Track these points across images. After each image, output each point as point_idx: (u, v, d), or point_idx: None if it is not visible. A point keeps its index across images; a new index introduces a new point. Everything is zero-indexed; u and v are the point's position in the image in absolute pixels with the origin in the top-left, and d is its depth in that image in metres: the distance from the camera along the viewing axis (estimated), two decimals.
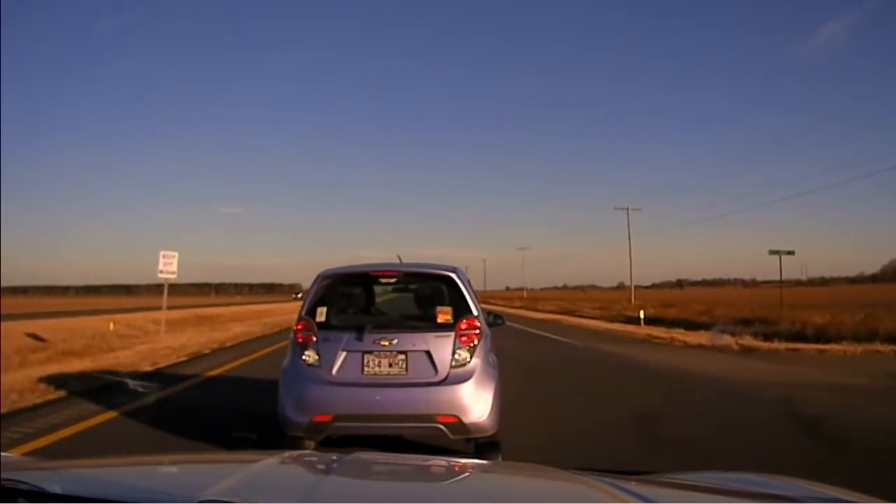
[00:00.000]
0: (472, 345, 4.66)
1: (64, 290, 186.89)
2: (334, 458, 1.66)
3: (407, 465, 1.91)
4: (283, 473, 1.56)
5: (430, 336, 4.66)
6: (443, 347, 4.62)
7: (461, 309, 4.79)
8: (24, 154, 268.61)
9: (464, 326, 4.68)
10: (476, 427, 4.46)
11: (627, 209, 47.15)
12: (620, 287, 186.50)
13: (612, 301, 50.62)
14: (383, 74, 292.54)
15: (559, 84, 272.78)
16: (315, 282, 4.99)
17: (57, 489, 1.26)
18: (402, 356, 4.61)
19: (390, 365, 4.60)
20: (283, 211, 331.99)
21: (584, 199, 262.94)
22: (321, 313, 4.80)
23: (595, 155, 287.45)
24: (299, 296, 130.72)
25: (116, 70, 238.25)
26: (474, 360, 4.63)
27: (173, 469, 1.87)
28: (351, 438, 4.64)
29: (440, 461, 1.95)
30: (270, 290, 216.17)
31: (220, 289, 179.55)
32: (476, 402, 4.50)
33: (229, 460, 1.94)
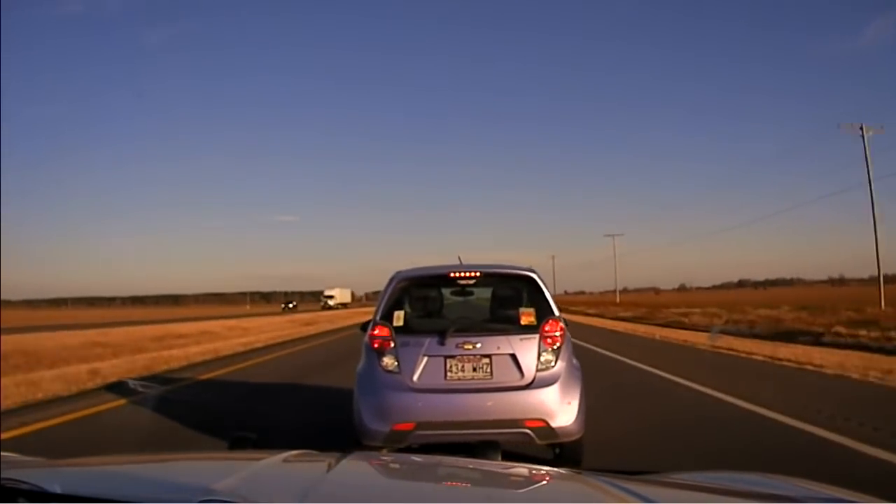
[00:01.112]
0: (556, 347, 4.49)
1: (110, 301, 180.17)
2: (334, 458, 1.64)
3: (406, 465, 1.91)
4: (283, 473, 1.54)
5: (515, 339, 4.48)
6: (528, 350, 4.45)
7: (544, 310, 4.62)
8: (70, 162, 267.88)
9: (548, 328, 4.52)
10: (564, 431, 4.31)
11: (862, 127, 29.18)
12: (682, 289, 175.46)
13: (831, 300, 33.00)
14: (441, 79, 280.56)
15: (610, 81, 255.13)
16: (389, 284, 4.78)
17: (57, 489, 1.24)
18: (487, 360, 4.43)
19: (474, 369, 4.42)
20: (338, 218, 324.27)
21: (630, 202, 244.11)
22: (398, 317, 4.62)
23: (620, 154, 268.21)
24: (291, 306, 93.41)
25: (167, 83, 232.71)
26: (559, 362, 4.47)
27: (173, 468, 1.83)
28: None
29: (439, 461, 1.92)
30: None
31: (271, 297, 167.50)
32: (564, 405, 4.35)
33: (229, 460, 1.87)
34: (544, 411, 4.26)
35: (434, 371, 4.37)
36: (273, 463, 1.56)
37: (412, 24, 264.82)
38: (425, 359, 4.39)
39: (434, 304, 4.99)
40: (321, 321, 37.55)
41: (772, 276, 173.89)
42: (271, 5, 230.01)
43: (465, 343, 4.40)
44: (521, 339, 4.44)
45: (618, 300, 68.89)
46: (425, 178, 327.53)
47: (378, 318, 4.61)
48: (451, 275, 4.84)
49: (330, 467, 1.56)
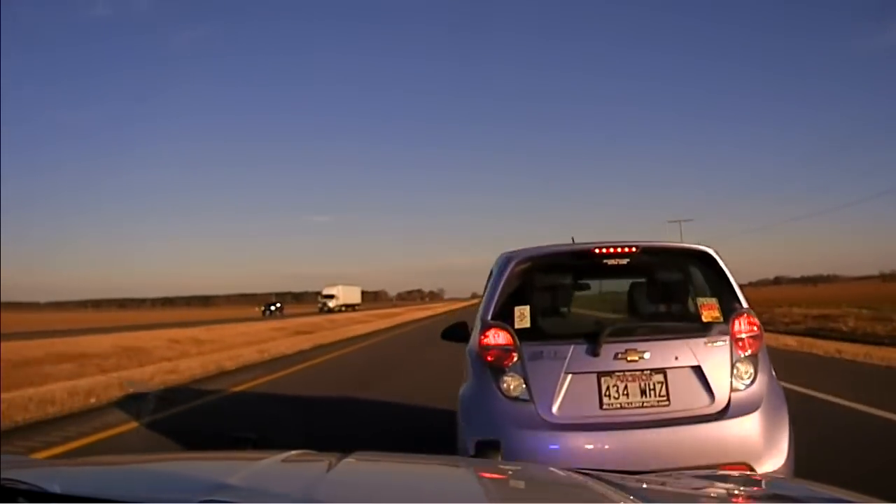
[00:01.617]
0: (753, 354, 3.18)
1: (140, 302, 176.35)
2: (334, 458, 1.57)
3: (406, 465, 1.85)
4: (283, 473, 1.50)
5: (698, 343, 3.14)
6: (716, 359, 3.12)
7: (729, 300, 3.29)
8: (102, 164, 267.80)
9: (740, 326, 3.19)
10: None
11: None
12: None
13: None
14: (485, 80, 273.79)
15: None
16: (504, 268, 3.34)
17: (56, 489, 1.20)
18: (660, 377, 3.09)
19: (643, 392, 3.07)
20: (371, 219, 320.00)
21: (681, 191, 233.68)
22: (521, 315, 3.21)
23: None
24: (274, 309, 68.07)
25: (196, 86, 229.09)
26: (760, 376, 3.16)
27: (173, 469, 1.76)
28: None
29: (440, 461, 1.89)
30: None
31: (302, 297, 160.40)
32: (771, 441, 3.05)
33: (229, 460, 1.78)
34: (746, 451, 2.98)
35: (583, 396, 3.04)
36: (273, 463, 1.53)
37: (446, 26, 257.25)
38: (568, 378, 3.07)
39: (566, 296, 3.68)
40: (322, 329, 28.82)
41: (808, 273, 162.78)
42: (301, 9, 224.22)
43: (628, 352, 3.06)
44: (706, 344, 3.12)
45: None
46: (461, 180, 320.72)
47: (489, 316, 3.22)
48: (597, 251, 3.36)
49: (330, 467, 1.50)
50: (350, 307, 77.88)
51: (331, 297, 76.25)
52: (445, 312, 56.14)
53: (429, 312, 57.45)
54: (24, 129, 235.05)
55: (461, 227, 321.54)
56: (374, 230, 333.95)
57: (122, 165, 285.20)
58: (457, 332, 3.83)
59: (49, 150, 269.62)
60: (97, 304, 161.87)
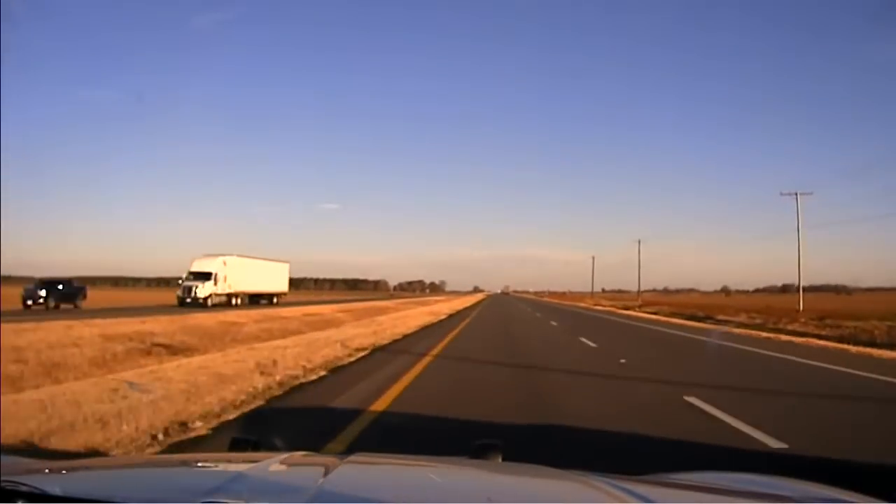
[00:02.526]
0: None
1: (167, 283, 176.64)
2: (334, 458, 1.64)
3: (406, 466, 1.89)
4: (283, 474, 1.55)
5: None
6: None
7: None
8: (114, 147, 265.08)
9: None
10: None
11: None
12: (724, 291, 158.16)
13: None
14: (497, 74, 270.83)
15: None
16: None
17: (56, 490, 1.24)
18: None
19: None
20: (378, 208, 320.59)
21: (695, 196, 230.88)
22: None
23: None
24: (46, 295, 32.86)
25: (220, 69, 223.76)
26: None
27: (173, 470, 1.82)
28: None
29: (440, 461, 1.88)
30: (354, 287, 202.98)
31: (300, 284, 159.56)
32: None
33: (229, 461, 1.85)
34: None
35: None
36: (273, 464, 1.55)
37: (465, 26, 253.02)
38: None
39: None
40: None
41: (817, 282, 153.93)
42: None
43: None
44: None
45: (800, 307, 36.70)
46: (473, 177, 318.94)
47: None
48: None
49: (330, 468, 1.50)
50: (266, 298, 46.22)
51: (204, 276, 39.96)
52: (459, 311, 40.01)
53: (428, 315, 32.41)
54: (61, 111, 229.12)
55: (463, 219, 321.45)
56: (379, 220, 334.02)
57: (135, 147, 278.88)
58: None
59: (89, 130, 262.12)
60: (136, 283, 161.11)
